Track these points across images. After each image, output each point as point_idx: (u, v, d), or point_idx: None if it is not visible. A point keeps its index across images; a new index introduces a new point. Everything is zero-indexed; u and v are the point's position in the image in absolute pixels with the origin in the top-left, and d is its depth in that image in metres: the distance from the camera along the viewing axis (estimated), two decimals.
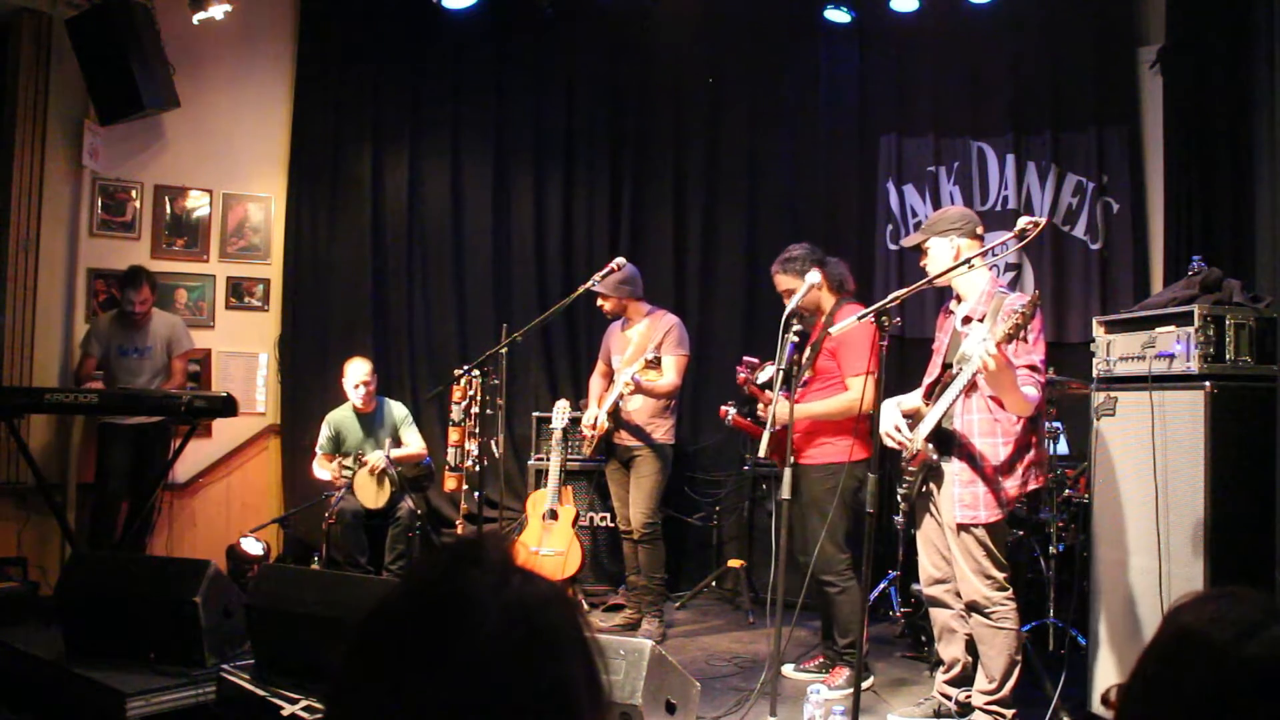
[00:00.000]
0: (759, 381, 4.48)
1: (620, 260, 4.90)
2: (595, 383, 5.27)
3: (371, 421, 5.63)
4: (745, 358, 4.64)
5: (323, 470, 5.62)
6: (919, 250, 3.78)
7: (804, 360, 4.18)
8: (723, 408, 4.76)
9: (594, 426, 5.01)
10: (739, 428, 4.86)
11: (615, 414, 4.96)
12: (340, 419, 5.67)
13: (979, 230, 3.71)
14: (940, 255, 3.66)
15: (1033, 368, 3.37)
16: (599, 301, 5.07)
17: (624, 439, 5.00)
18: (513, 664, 0.83)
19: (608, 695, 0.91)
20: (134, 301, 5.47)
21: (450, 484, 5.06)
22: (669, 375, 4.92)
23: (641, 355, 4.78)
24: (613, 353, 5.15)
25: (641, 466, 4.96)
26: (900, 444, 3.59)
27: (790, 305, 4.00)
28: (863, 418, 4.08)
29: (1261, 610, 0.84)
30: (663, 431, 5.00)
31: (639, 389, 4.82)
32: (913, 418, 3.63)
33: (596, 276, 4.85)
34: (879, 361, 3.29)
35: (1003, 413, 3.44)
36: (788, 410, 3.76)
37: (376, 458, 5.41)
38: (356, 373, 5.56)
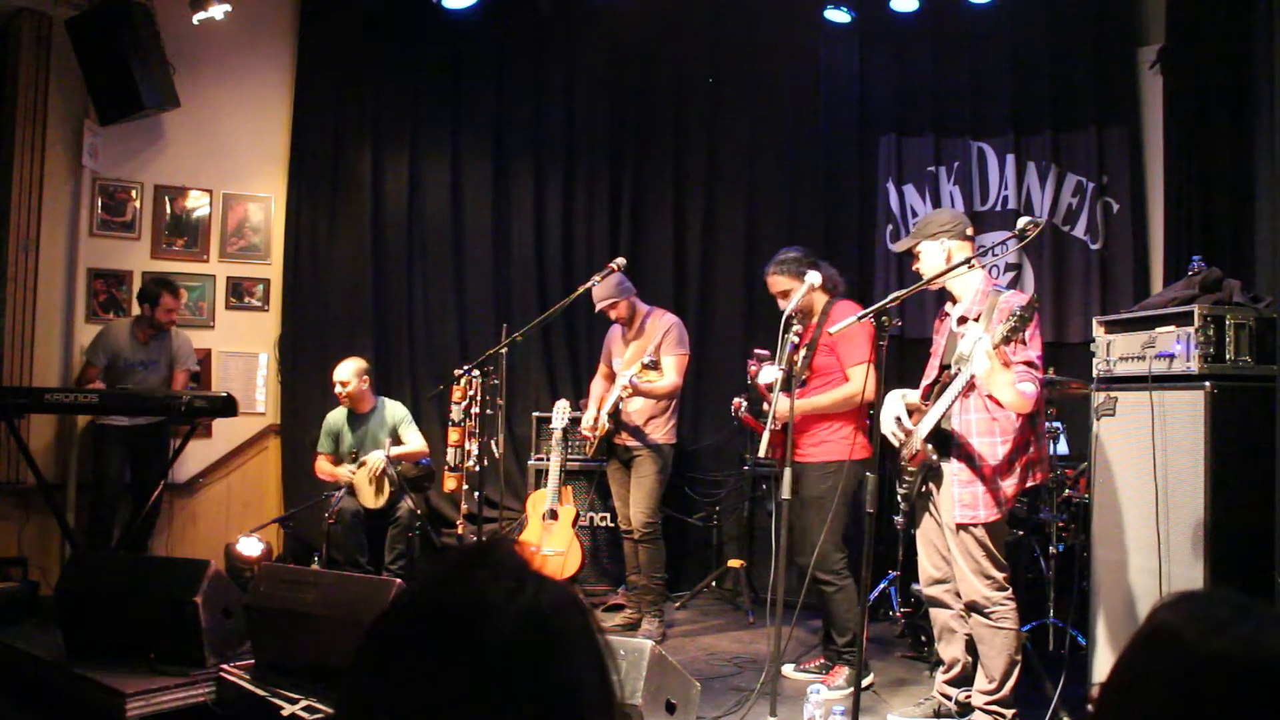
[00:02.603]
0: (761, 381, 4.48)
1: (620, 260, 4.90)
2: (596, 384, 5.27)
3: (367, 421, 5.61)
4: (756, 350, 4.63)
5: (325, 473, 5.61)
6: (911, 254, 3.79)
7: (800, 360, 4.18)
8: (737, 399, 4.73)
9: (594, 428, 5.01)
10: (748, 425, 4.83)
11: (615, 415, 4.96)
12: (337, 419, 5.66)
13: (968, 231, 3.72)
14: (931, 258, 3.67)
15: (1029, 364, 3.38)
16: (611, 314, 5.03)
17: (624, 439, 5.00)
18: (526, 670, 0.83)
19: (620, 700, 0.91)
20: (174, 311, 5.52)
21: (450, 484, 5.05)
22: (669, 375, 4.91)
23: (640, 357, 4.78)
24: (614, 354, 5.15)
25: (641, 466, 4.96)
26: (895, 438, 3.60)
27: (789, 306, 4.00)
28: (865, 411, 4.09)
29: (1233, 608, 0.85)
30: (663, 432, 5.00)
31: (636, 392, 4.82)
32: (913, 415, 3.63)
33: (596, 277, 4.84)
34: (879, 361, 3.30)
35: (1001, 411, 3.44)
36: (788, 408, 3.76)
37: (376, 458, 5.40)
38: (336, 375, 5.54)
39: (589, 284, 4.83)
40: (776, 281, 4.40)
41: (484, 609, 0.84)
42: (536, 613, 0.85)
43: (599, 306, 4.98)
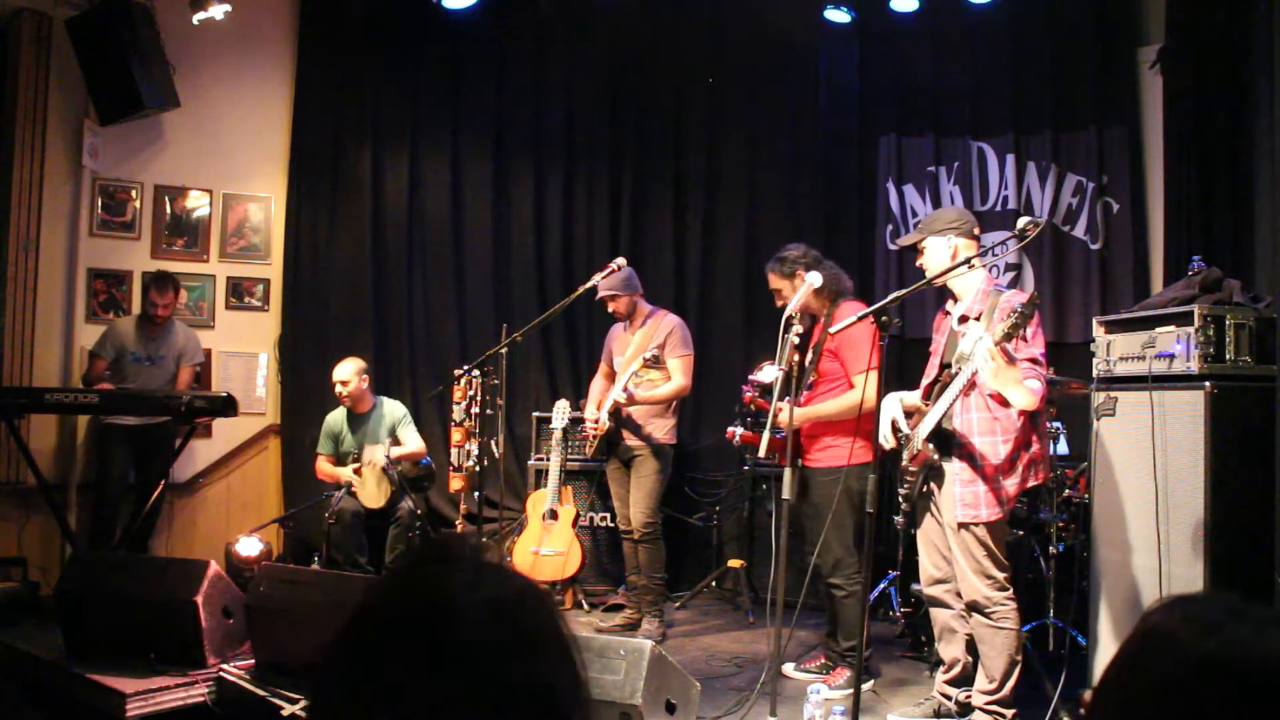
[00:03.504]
0: (762, 380, 4.47)
1: (620, 260, 4.90)
2: (597, 383, 5.26)
3: (366, 421, 5.61)
4: (751, 377, 4.65)
5: (325, 473, 5.61)
6: (915, 250, 3.78)
7: (806, 364, 4.17)
8: (729, 430, 4.70)
9: (596, 425, 4.99)
10: (748, 443, 4.81)
11: (616, 413, 4.95)
12: (336, 420, 5.66)
13: (975, 230, 3.71)
14: (937, 254, 3.65)
15: (1033, 360, 3.37)
16: (609, 306, 5.04)
17: (625, 438, 4.99)
18: (497, 659, 0.83)
19: (588, 688, 0.92)
20: (158, 304, 5.50)
21: (456, 484, 5.05)
22: (676, 378, 4.90)
23: (639, 354, 4.77)
24: (614, 354, 5.14)
25: (641, 466, 4.95)
26: (890, 442, 3.60)
27: (789, 308, 4.00)
28: (868, 417, 4.08)
29: (1228, 610, 0.85)
30: (664, 431, 4.98)
31: (632, 401, 4.80)
32: (913, 415, 3.63)
33: (597, 276, 4.84)
34: (881, 359, 3.30)
35: (1002, 411, 3.44)
36: (791, 414, 3.76)
37: (376, 455, 5.40)
38: (336, 374, 5.55)
39: (589, 284, 4.83)
40: (770, 279, 4.44)
41: (446, 601, 0.85)
42: (500, 602, 0.86)
43: (600, 295, 4.96)
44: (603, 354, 5.29)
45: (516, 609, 0.87)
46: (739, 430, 4.66)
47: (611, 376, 5.11)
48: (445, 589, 0.86)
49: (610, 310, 5.08)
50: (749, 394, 4.57)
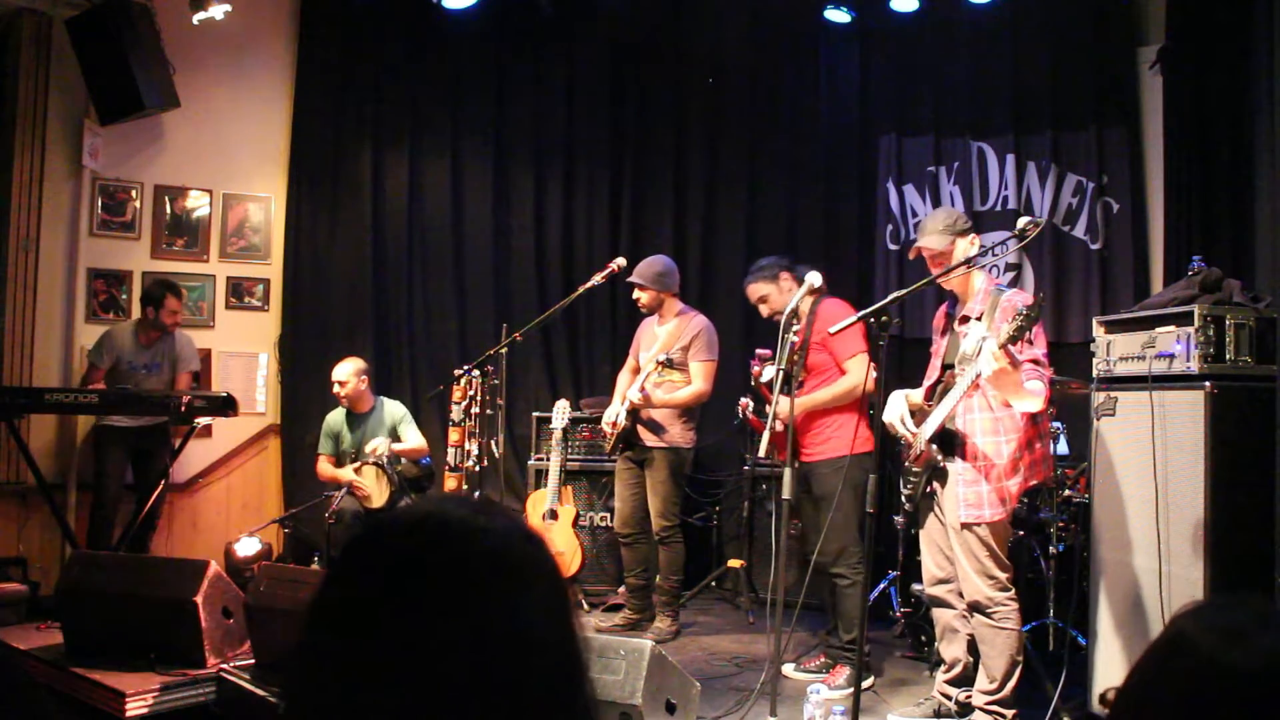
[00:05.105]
0: (762, 380, 4.48)
1: (620, 261, 4.89)
2: (622, 378, 5.16)
3: (366, 421, 5.61)
4: (758, 351, 4.62)
5: (326, 474, 5.60)
6: (922, 253, 3.75)
7: (795, 360, 4.17)
8: (743, 400, 4.69)
9: (614, 424, 4.95)
10: (753, 425, 4.80)
11: (635, 413, 4.89)
12: (336, 420, 5.65)
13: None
14: (964, 254, 3.63)
15: (1036, 361, 3.37)
16: (635, 294, 4.98)
17: (643, 438, 4.91)
18: (500, 591, 0.84)
19: (583, 637, 0.93)
20: (178, 313, 5.50)
21: (450, 484, 5.04)
22: (697, 382, 4.84)
23: (660, 354, 4.72)
24: (641, 348, 5.07)
25: (658, 468, 4.88)
26: (904, 437, 3.59)
27: (790, 304, 4.00)
28: (866, 403, 4.07)
29: (1254, 618, 0.84)
30: (682, 433, 4.90)
31: (648, 403, 4.76)
32: (916, 414, 3.63)
33: (597, 276, 4.84)
34: (880, 362, 3.29)
35: (1005, 411, 3.44)
36: (790, 408, 3.76)
37: (378, 444, 5.38)
38: (334, 375, 5.54)
39: (589, 284, 4.82)
40: (754, 289, 4.45)
41: (444, 520, 0.87)
42: (505, 532, 0.88)
43: (629, 279, 4.92)
44: (631, 347, 5.23)
45: (523, 543, 0.88)
46: (750, 403, 4.64)
47: (637, 371, 5.05)
48: (445, 512, 0.88)
49: (634, 299, 5.03)
50: (756, 368, 4.55)
